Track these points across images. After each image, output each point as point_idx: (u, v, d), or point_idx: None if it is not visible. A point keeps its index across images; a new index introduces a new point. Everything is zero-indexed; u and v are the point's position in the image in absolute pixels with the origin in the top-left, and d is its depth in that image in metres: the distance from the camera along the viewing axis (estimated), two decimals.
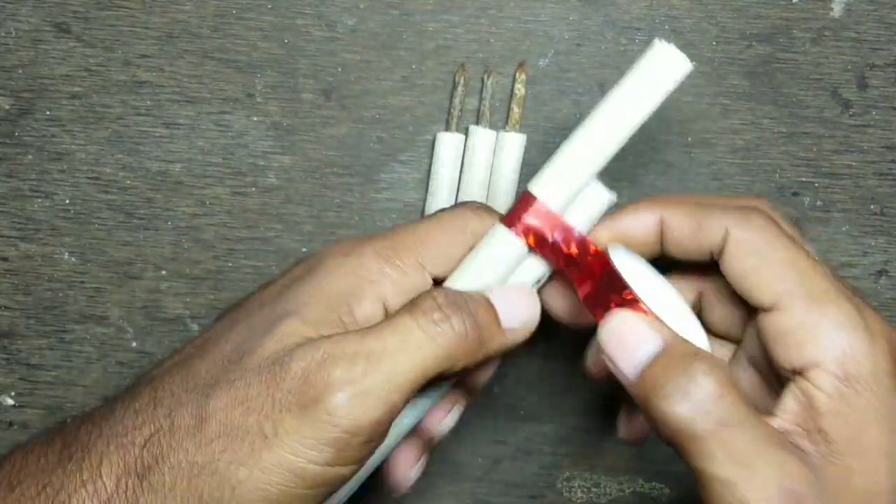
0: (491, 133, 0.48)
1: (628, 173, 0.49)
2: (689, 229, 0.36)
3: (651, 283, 0.37)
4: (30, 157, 0.49)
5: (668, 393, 0.33)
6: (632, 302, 0.35)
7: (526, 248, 0.38)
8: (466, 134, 0.48)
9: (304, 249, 0.49)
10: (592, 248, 0.37)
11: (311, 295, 0.35)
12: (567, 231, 0.37)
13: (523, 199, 0.38)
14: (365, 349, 0.33)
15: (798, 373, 0.34)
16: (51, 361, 0.48)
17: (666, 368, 0.33)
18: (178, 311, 0.49)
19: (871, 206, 0.49)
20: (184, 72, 0.49)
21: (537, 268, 0.38)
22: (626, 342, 0.34)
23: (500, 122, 0.49)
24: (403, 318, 0.34)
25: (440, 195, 0.48)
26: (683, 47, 0.49)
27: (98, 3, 0.49)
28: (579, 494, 0.49)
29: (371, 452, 0.34)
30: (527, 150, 0.48)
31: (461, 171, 0.48)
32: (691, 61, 0.36)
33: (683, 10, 0.49)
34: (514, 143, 0.48)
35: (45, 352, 0.48)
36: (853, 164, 0.49)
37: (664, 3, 0.49)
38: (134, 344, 0.48)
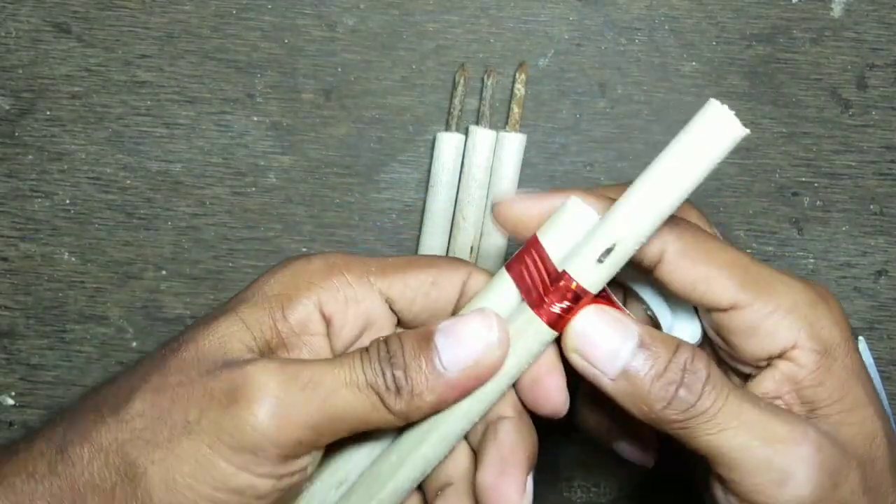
0: (491, 133, 0.48)
1: (628, 174, 0.49)
2: None
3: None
4: (30, 157, 0.49)
5: (663, 388, 0.33)
6: (606, 298, 0.34)
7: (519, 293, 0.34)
8: (466, 134, 0.48)
9: (303, 249, 0.49)
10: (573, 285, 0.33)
11: (254, 293, 0.35)
12: (550, 269, 0.34)
13: (528, 244, 0.34)
14: (306, 373, 0.33)
15: (775, 358, 0.35)
16: (51, 361, 0.48)
17: (651, 362, 0.33)
18: (178, 311, 0.49)
19: (871, 206, 0.49)
20: (184, 72, 0.49)
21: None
22: (601, 338, 0.33)
23: (500, 122, 0.49)
24: (353, 359, 0.33)
25: (440, 195, 0.48)
26: (683, 47, 0.50)
27: (98, 3, 0.49)
28: (579, 494, 0.49)
29: (293, 474, 0.33)
30: (527, 150, 0.48)
31: (461, 172, 0.48)
32: (738, 121, 0.33)
33: (683, 10, 0.49)
34: (514, 143, 0.48)
35: (45, 352, 0.48)
36: (853, 164, 0.49)
37: (664, 3, 0.49)
38: (134, 344, 0.48)
